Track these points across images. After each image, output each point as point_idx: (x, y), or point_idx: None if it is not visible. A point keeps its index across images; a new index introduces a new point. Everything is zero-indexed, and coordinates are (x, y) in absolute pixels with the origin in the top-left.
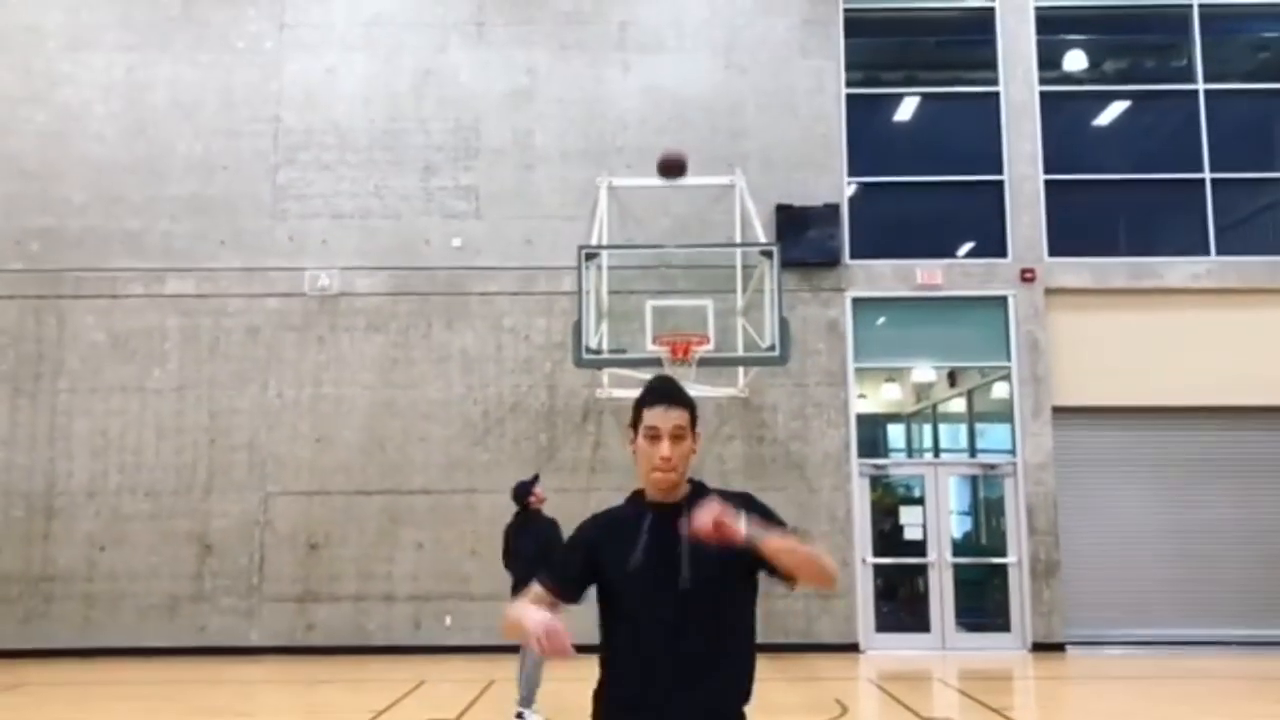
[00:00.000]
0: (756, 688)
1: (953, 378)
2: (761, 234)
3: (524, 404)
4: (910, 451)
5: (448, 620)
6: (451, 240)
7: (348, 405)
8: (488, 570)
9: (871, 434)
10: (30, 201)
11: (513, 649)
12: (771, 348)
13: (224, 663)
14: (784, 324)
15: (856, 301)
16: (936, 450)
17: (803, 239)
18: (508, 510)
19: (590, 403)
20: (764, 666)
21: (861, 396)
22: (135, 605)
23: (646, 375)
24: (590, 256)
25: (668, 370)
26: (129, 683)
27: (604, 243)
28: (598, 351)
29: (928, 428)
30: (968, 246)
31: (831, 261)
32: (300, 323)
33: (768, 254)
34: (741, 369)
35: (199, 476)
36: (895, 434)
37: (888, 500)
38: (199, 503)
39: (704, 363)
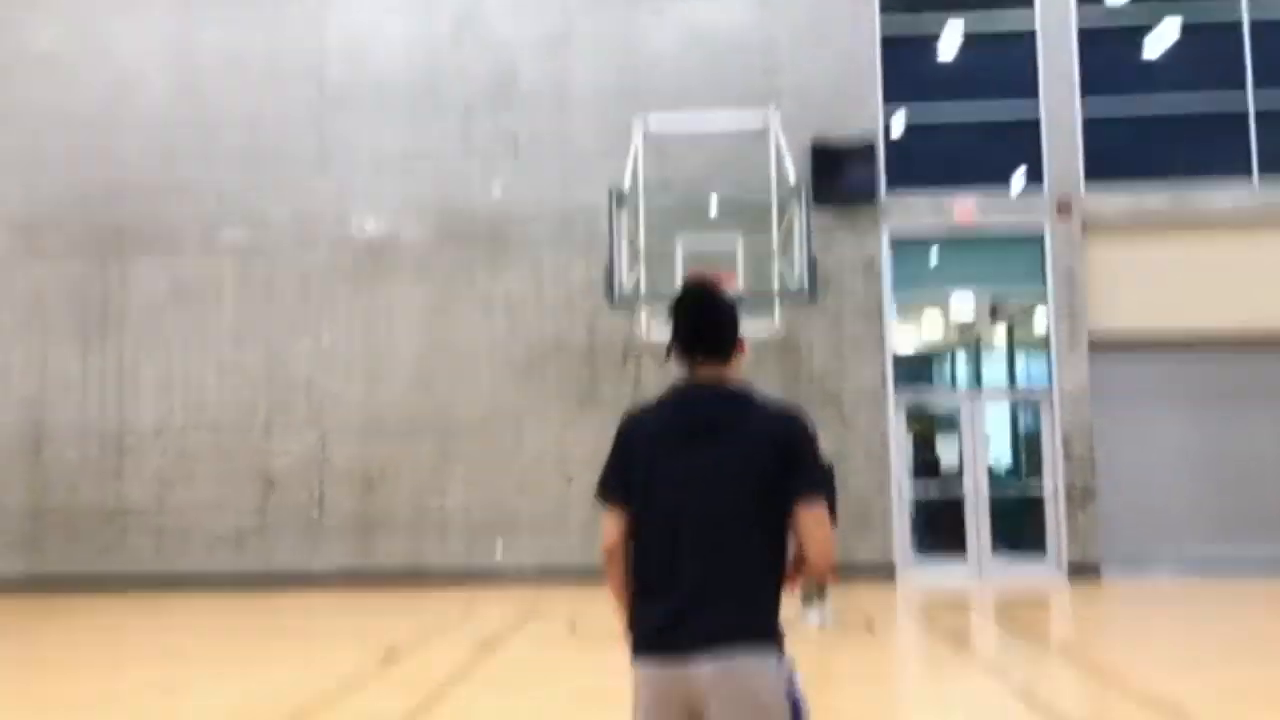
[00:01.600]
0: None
1: (995, 311)
2: (793, 172)
3: (565, 344)
4: (947, 384)
5: (499, 550)
6: (491, 186)
7: (397, 348)
8: (535, 503)
9: (908, 368)
10: (90, 157)
11: (559, 576)
12: (801, 288)
13: (289, 591)
14: (813, 263)
15: (893, 237)
16: (975, 382)
17: (838, 175)
18: (552, 446)
19: (629, 343)
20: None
21: (911, 331)
22: (204, 537)
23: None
24: (620, 198)
25: None
26: (199, 608)
27: (639, 183)
28: (630, 293)
29: (964, 361)
30: (1004, 179)
31: (867, 198)
32: (349, 270)
33: (799, 192)
34: (776, 308)
35: (259, 417)
36: (932, 367)
37: (925, 431)
38: (260, 442)
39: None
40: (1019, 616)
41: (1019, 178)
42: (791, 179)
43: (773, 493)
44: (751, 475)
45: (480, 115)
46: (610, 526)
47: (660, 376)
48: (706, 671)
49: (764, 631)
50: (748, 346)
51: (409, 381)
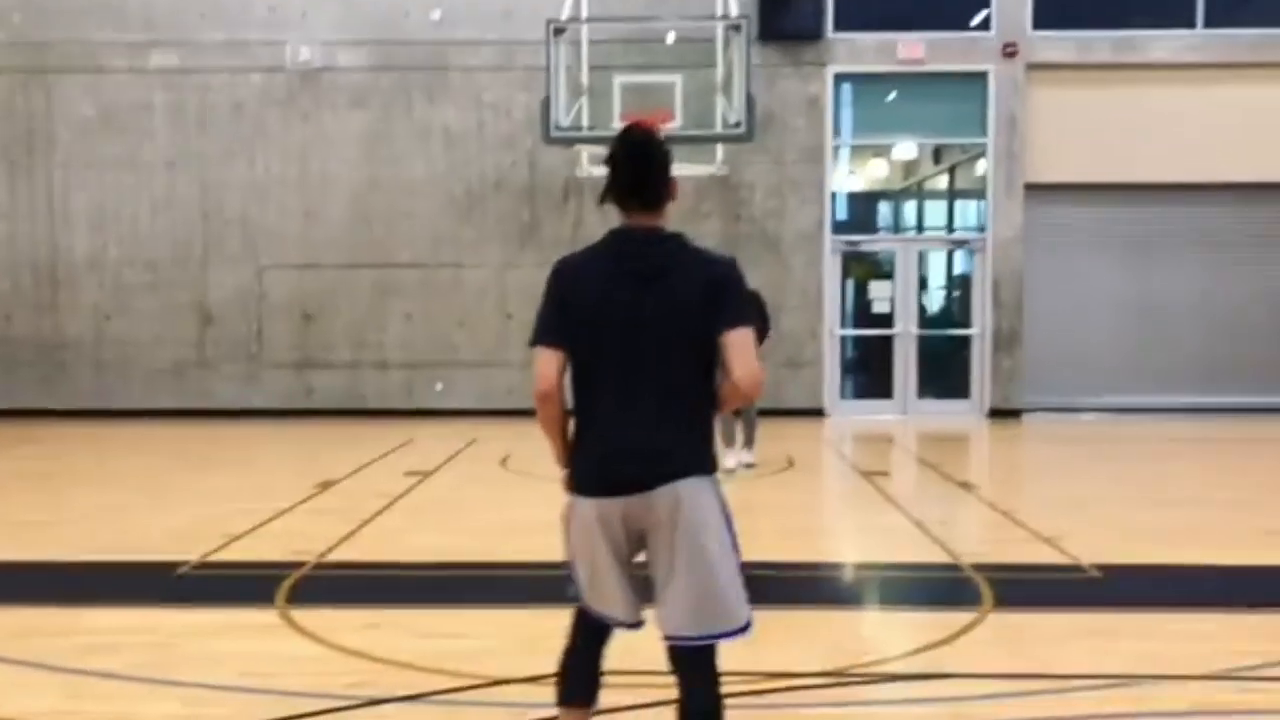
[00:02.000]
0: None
1: (937, 154)
2: (734, 7)
3: (506, 181)
4: (884, 228)
5: (438, 386)
6: (431, 13)
7: (334, 181)
8: (475, 340)
9: (847, 211)
10: None
11: (498, 412)
12: (738, 124)
13: (229, 424)
14: (750, 101)
15: (838, 77)
16: (913, 226)
17: (784, 12)
18: (492, 284)
19: (570, 181)
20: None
21: (852, 174)
22: (143, 370)
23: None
24: (559, 31)
25: None
26: (141, 439)
27: (582, 15)
28: (569, 128)
29: (902, 205)
30: (952, 22)
31: (813, 35)
32: (284, 98)
33: (736, 28)
34: (719, 147)
35: (194, 250)
36: (870, 211)
37: (860, 275)
38: (197, 274)
39: (671, 140)
40: (930, 454)
41: (968, 18)
42: (734, 13)
43: (708, 329)
44: (693, 315)
45: None
46: (547, 369)
47: (601, 216)
48: (663, 499)
49: (706, 459)
50: (678, 191)
51: (346, 216)
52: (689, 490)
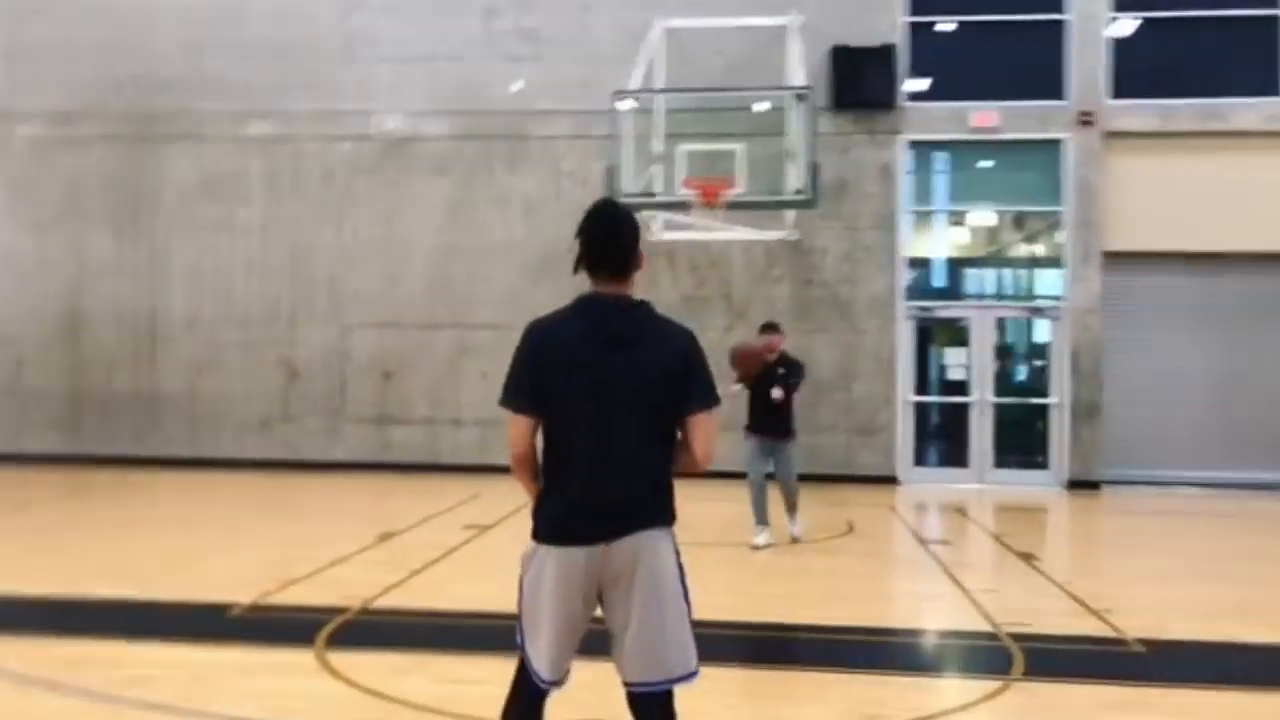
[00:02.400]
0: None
1: (1010, 222)
2: (801, 76)
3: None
4: (958, 295)
5: None
6: (511, 84)
7: (416, 245)
8: None
9: (920, 278)
10: (123, 48)
11: None
12: (800, 191)
13: (311, 476)
14: (815, 168)
15: (912, 144)
16: (986, 293)
17: (857, 81)
18: None
19: (643, 244)
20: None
21: (925, 241)
22: (233, 423)
23: (686, 217)
24: (623, 100)
25: (696, 214)
26: (226, 488)
27: (656, 85)
28: (636, 194)
29: (976, 272)
30: (1027, 90)
31: (886, 103)
32: (371, 165)
33: (802, 97)
34: (791, 213)
35: (284, 309)
36: (944, 278)
37: (933, 342)
38: (285, 333)
39: (734, 206)
40: (997, 524)
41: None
42: (798, 80)
43: (673, 398)
44: (662, 385)
45: (503, 12)
46: (520, 432)
47: (673, 280)
48: (626, 549)
49: (668, 511)
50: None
51: (427, 277)
52: (650, 541)
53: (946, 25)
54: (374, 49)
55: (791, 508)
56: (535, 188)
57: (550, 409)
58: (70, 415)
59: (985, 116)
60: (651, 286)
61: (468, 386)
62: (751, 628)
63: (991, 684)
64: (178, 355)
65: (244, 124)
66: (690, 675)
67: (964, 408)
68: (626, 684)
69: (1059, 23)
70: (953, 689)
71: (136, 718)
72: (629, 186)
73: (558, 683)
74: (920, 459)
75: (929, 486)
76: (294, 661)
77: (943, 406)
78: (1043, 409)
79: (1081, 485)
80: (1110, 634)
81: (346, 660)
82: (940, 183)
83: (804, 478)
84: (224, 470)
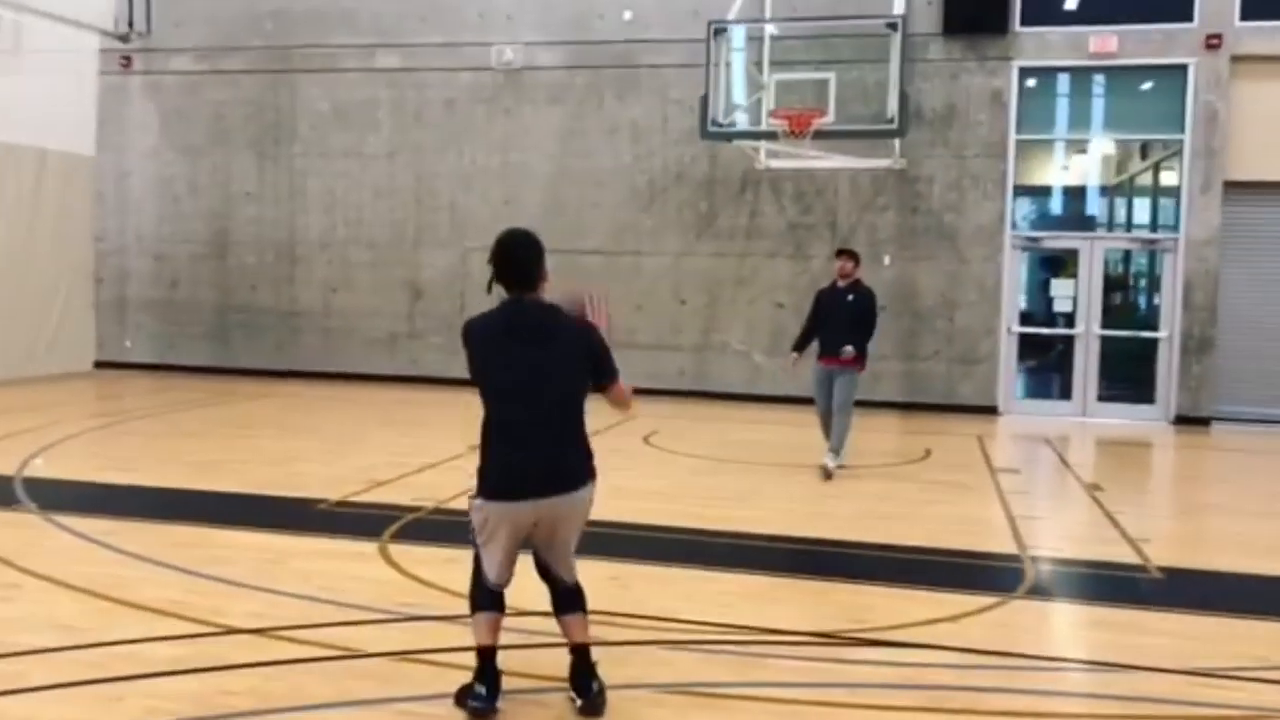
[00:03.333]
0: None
1: (1143, 151)
2: (903, 4)
3: (687, 173)
4: (1068, 224)
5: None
6: (623, 14)
7: (531, 171)
8: (651, 323)
9: (1030, 207)
10: None
11: (667, 392)
12: (891, 120)
13: (432, 390)
14: (904, 96)
15: (1023, 71)
16: (1096, 223)
17: (970, 6)
18: (669, 271)
19: (748, 173)
20: (886, 422)
21: (1035, 170)
22: (361, 339)
23: (782, 146)
24: (719, 31)
25: (782, 143)
26: (351, 399)
27: (763, 14)
28: (724, 125)
29: (1088, 201)
30: (1147, 15)
31: (999, 30)
32: (489, 95)
33: (893, 26)
34: (896, 141)
35: (408, 232)
36: (1054, 207)
37: (1042, 271)
38: (410, 254)
39: (821, 135)
40: (1080, 456)
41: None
42: (903, 10)
43: (582, 376)
44: (571, 366)
45: None
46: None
47: (777, 208)
48: (559, 502)
49: (588, 469)
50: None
51: (540, 204)
52: (579, 495)
53: None
54: None
55: (838, 444)
56: (643, 116)
57: (486, 391)
58: (218, 329)
59: (1104, 41)
60: (756, 215)
61: None
62: (770, 539)
63: (988, 599)
64: (313, 275)
65: (372, 56)
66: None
67: (1069, 340)
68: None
69: None
70: (948, 602)
71: (211, 588)
72: (720, 117)
73: (502, 585)
74: (1024, 391)
75: (1030, 419)
76: (358, 550)
77: (1048, 338)
78: (1152, 343)
79: (1190, 421)
80: (1134, 561)
81: (404, 552)
82: (1053, 110)
83: (906, 406)
84: (354, 383)
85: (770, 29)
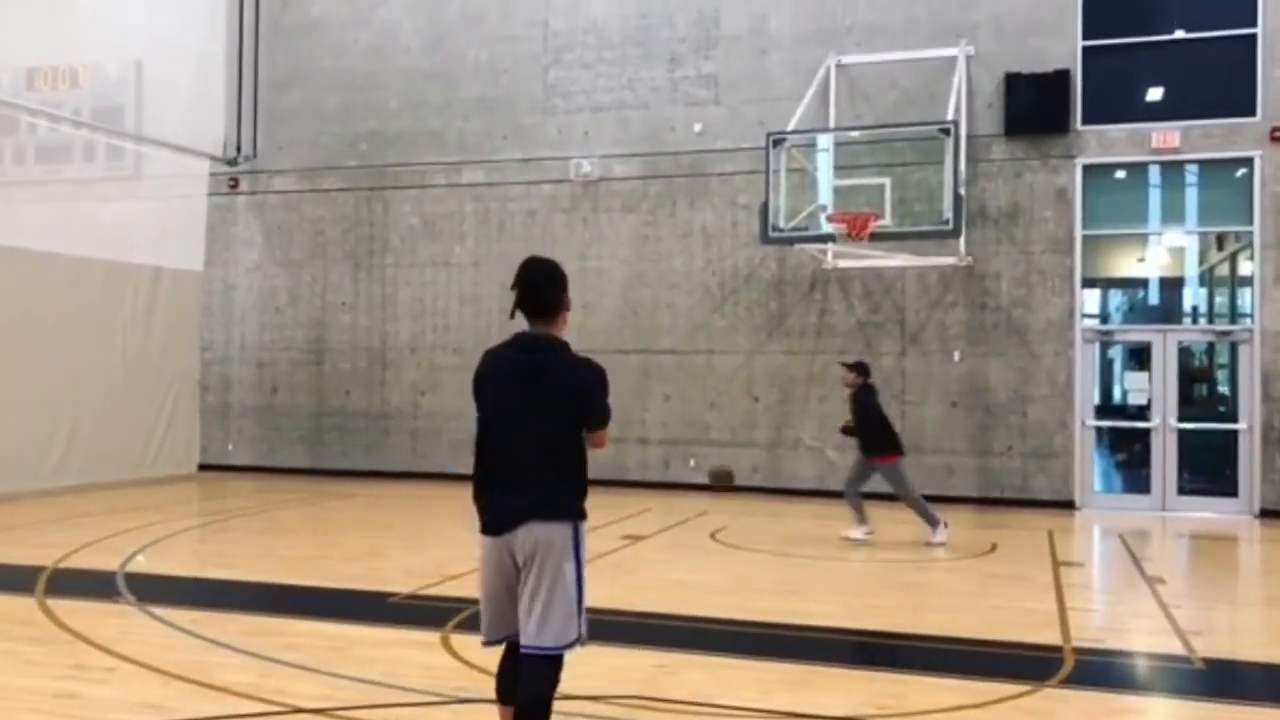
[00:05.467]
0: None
1: (1206, 244)
2: (960, 108)
3: (756, 275)
4: (1140, 317)
5: (691, 462)
6: (693, 126)
7: (608, 276)
8: (724, 420)
9: (1100, 301)
10: (358, 110)
11: (740, 489)
12: (945, 220)
13: None
14: (958, 198)
15: (1087, 168)
16: (1169, 315)
17: (1031, 106)
18: (741, 369)
19: (817, 273)
20: (959, 516)
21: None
22: (448, 440)
23: (844, 247)
24: (777, 141)
25: (840, 245)
26: (435, 497)
27: (828, 121)
28: (785, 229)
29: (1158, 293)
30: (1208, 110)
31: (1060, 129)
32: (568, 205)
33: (945, 131)
34: (962, 239)
35: (492, 336)
36: (1125, 300)
37: (1115, 364)
38: None
39: (878, 236)
40: (1148, 550)
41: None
42: (964, 113)
43: (575, 420)
44: (561, 410)
45: (685, 59)
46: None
47: (845, 305)
48: (529, 539)
49: (567, 509)
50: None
51: (616, 307)
52: (545, 532)
53: (1123, 45)
54: (570, 100)
55: (931, 521)
56: (713, 221)
57: (481, 422)
58: (314, 432)
59: (1166, 137)
60: (825, 313)
61: (653, 407)
62: (821, 629)
63: (1020, 687)
64: (403, 378)
65: (459, 173)
66: (568, 645)
67: (1146, 433)
68: (521, 646)
69: (1248, 37)
70: (979, 690)
71: (279, 671)
72: (781, 223)
73: (492, 643)
74: (1103, 485)
75: (1108, 513)
76: (421, 640)
77: (1124, 431)
78: (1232, 435)
79: (1276, 515)
80: (1178, 651)
81: (465, 641)
82: (1117, 204)
83: (980, 501)
84: (440, 482)
85: (827, 139)
